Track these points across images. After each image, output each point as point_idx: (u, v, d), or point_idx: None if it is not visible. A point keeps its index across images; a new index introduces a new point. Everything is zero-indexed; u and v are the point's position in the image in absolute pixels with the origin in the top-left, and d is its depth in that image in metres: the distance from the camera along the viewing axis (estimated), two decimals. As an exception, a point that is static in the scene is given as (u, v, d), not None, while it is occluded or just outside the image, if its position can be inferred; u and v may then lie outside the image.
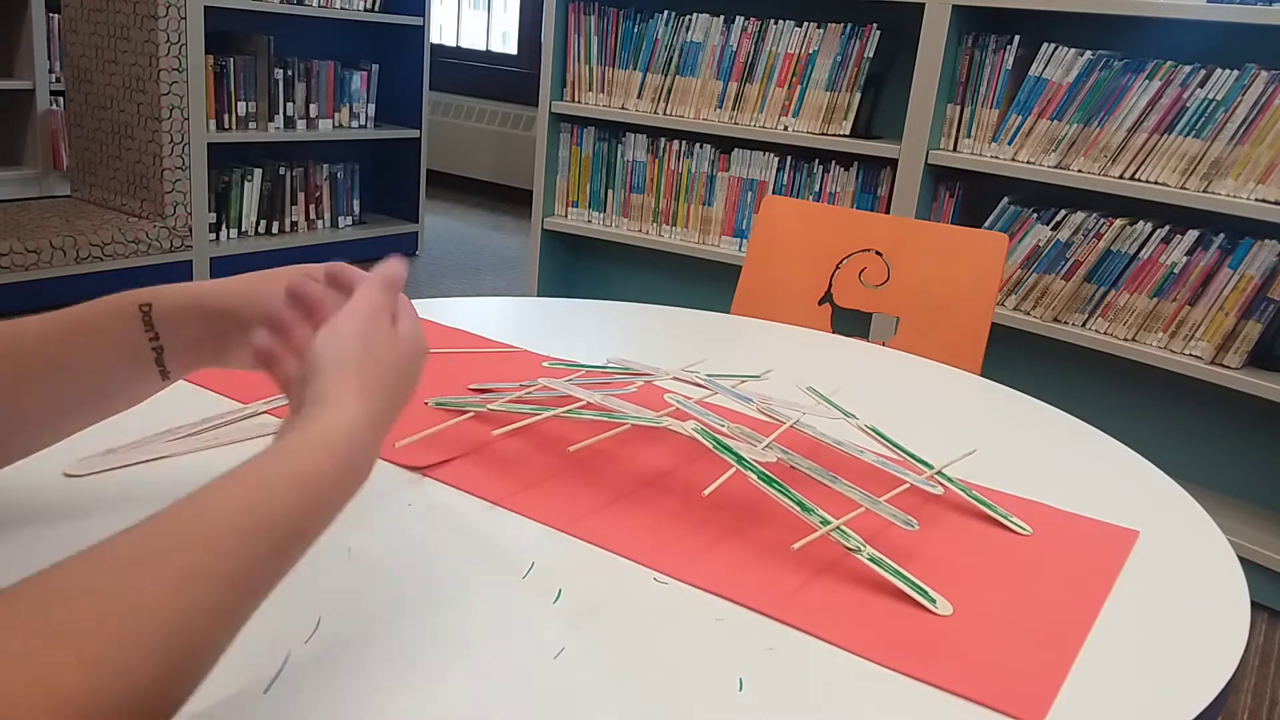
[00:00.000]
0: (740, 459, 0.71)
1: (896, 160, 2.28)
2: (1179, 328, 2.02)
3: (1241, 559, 0.73)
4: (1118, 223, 2.06)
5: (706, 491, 0.69)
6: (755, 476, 0.70)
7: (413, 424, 0.79)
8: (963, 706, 0.54)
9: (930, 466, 0.82)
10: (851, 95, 2.38)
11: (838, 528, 0.67)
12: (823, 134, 2.42)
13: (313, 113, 3.70)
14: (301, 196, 3.79)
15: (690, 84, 2.57)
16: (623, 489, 0.75)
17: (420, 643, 0.55)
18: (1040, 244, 2.16)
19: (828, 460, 0.78)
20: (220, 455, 0.75)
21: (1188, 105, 1.96)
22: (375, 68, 3.93)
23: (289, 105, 3.61)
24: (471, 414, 0.83)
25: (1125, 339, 2.08)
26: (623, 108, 2.68)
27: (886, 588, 0.64)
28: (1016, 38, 2.16)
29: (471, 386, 0.91)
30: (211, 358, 0.64)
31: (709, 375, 0.93)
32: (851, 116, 2.39)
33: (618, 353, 1.02)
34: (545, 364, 1.00)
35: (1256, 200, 1.90)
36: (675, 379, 0.92)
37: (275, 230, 3.70)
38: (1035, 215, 2.17)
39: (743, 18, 2.47)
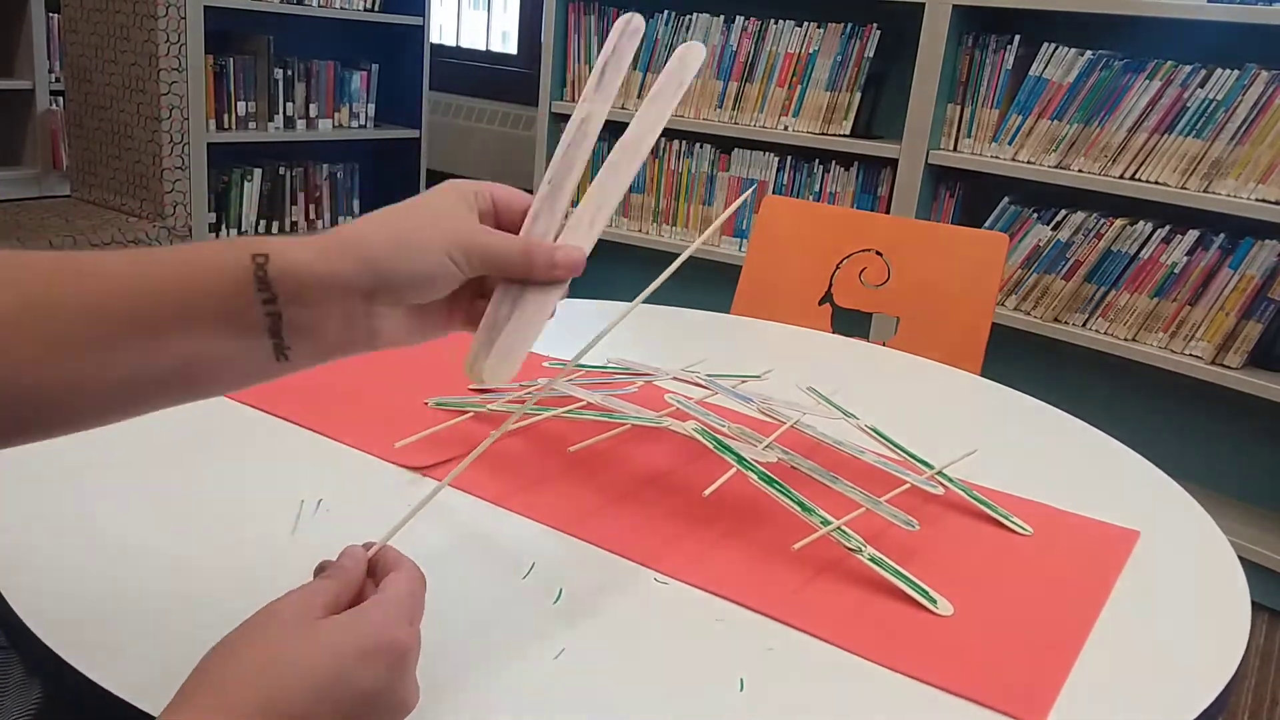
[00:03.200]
0: (741, 459, 0.71)
1: (896, 160, 2.28)
2: (1179, 328, 2.02)
3: (1241, 559, 0.73)
4: (1118, 223, 2.06)
5: (707, 492, 0.69)
6: (756, 477, 0.70)
7: (413, 424, 0.79)
8: (963, 707, 0.54)
9: (931, 466, 0.82)
10: (851, 95, 2.38)
11: (838, 528, 0.67)
12: (823, 134, 2.42)
13: (313, 113, 3.70)
14: (301, 196, 3.78)
15: (690, 84, 2.56)
16: (623, 489, 0.75)
17: (420, 643, 0.54)
18: (1040, 244, 2.16)
19: (828, 460, 0.78)
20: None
21: (1188, 105, 1.96)
22: (375, 68, 3.93)
23: (289, 105, 3.61)
24: (471, 414, 0.83)
25: (1125, 339, 2.08)
26: (622, 108, 2.67)
27: (887, 588, 0.64)
28: (1016, 38, 2.16)
29: (472, 386, 0.91)
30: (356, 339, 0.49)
31: (709, 375, 0.93)
32: (851, 116, 2.39)
33: (618, 353, 1.02)
34: (545, 364, 1.00)
35: (1257, 200, 1.90)
36: (675, 379, 0.92)
37: (275, 230, 3.70)
38: (1035, 215, 2.17)
39: (743, 18, 2.47)
